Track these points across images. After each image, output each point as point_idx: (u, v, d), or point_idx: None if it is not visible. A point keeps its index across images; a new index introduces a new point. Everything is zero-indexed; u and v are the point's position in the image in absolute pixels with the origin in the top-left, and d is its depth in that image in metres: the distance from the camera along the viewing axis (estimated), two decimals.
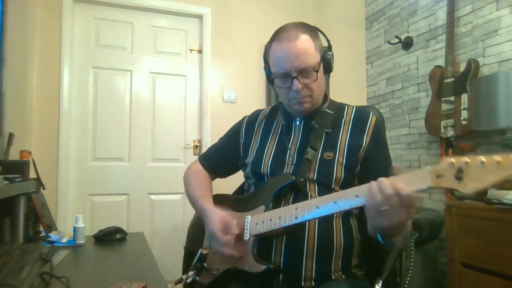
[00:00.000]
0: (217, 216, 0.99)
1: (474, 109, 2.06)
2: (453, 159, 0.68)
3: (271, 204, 0.96)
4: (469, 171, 0.66)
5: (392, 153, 2.86)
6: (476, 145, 2.22)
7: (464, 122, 2.16)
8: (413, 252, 1.82)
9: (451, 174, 0.68)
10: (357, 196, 0.79)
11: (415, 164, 2.69)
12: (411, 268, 1.76)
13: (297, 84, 0.96)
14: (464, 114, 2.16)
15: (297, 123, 1.08)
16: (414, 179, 0.73)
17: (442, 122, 2.29)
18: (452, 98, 2.25)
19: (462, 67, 2.23)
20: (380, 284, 0.98)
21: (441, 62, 2.41)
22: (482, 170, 0.65)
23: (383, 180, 0.74)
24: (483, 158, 0.65)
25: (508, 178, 0.63)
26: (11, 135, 1.73)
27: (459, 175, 0.67)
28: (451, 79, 2.26)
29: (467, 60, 2.20)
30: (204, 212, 1.04)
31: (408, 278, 1.68)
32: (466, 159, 0.67)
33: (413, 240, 1.89)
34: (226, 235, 0.95)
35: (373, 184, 0.75)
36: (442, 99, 2.30)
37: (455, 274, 1.83)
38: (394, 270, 1.05)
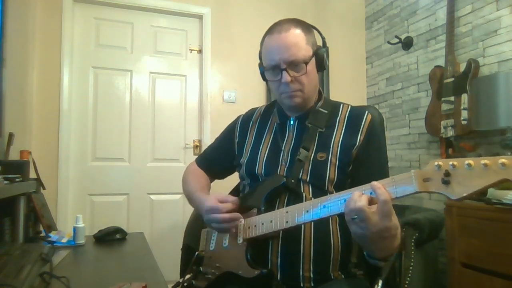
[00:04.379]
0: (211, 196, 0.99)
1: (474, 109, 2.06)
2: (440, 162, 0.65)
3: (263, 207, 0.95)
4: (456, 174, 0.63)
5: (392, 153, 2.89)
6: (476, 145, 2.22)
7: (464, 122, 2.15)
8: (413, 252, 1.81)
9: (438, 177, 0.65)
10: (345, 200, 0.77)
11: (415, 164, 2.69)
12: (411, 268, 1.75)
13: (286, 76, 0.95)
14: (464, 114, 2.16)
15: (291, 122, 1.07)
16: (400, 183, 0.71)
17: (442, 122, 2.29)
18: (452, 98, 2.25)
19: (462, 67, 2.23)
20: (380, 284, 0.97)
21: (441, 62, 2.41)
22: (470, 174, 0.62)
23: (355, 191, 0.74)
24: (470, 161, 0.61)
25: (496, 183, 0.59)
26: (11, 135, 1.73)
27: (446, 178, 0.64)
28: (451, 79, 2.26)
29: (467, 60, 2.19)
30: (199, 200, 1.04)
31: (408, 278, 1.68)
32: (454, 161, 0.64)
33: (413, 240, 1.89)
34: (223, 204, 0.95)
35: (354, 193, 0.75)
36: (442, 99, 2.30)
37: (455, 274, 1.83)
38: (394, 270, 1.05)
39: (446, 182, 0.64)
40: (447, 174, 0.64)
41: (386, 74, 3.03)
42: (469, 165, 0.62)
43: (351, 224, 0.74)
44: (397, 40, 2.80)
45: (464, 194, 0.62)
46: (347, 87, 3.15)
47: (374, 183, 0.73)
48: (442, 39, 2.44)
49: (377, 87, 3.14)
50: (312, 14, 3.12)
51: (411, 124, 2.75)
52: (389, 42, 2.90)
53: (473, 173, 0.61)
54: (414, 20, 2.75)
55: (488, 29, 2.18)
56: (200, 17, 2.87)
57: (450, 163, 0.64)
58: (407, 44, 2.77)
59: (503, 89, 1.87)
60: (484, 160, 0.60)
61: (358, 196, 0.73)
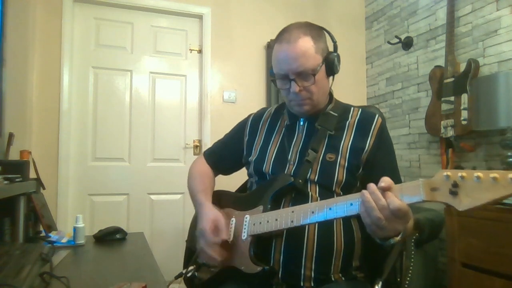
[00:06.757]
0: (211, 215, 0.99)
1: (474, 109, 2.06)
2: (449, 172, 0.65)
3: (269, 206, 0.96)
4: (464, 186, 0.63)
5: None
6: (476, 145, 2.22)
7: (464, 122, 2.16)
8: (413, 252, 1.82)
9: (446, 188, 0.65)
10: (351, 204, 0.78)
11: (415, 164, 2.69)
12: (411, 268, 1.75)
13: (294, 87, 0.96)
14: (464, 114, 2.16)
15: (301, 123, 1.08)
16: (408, 191, 0.71)
17: (442, 122, 2.29)
18: (452, 98, 2.25)
19: (462, 67, 2.23)
20: (379, 285, 0.97)
21: (441, 62, 2.41)
22: (478, 186, 0.61)
23: (373, 191, 0.73)
24: (479, 174, 0.61)
25: (504, 197, 0.59)
26: (11, 135, 1.73)
27: (454, 189, 0.64)
28: (451, 79, 2.27)
29: (467, 60, 2.20)
30: (200, 208, 1.05)
31: (408, 278, 1.68)
32: (462, 173, 0.63)
33: (413, 240, 1.89)
34: (216, 236, 0.95)
35: (366, 196, 0.73)
36: (442, 99, 2.31)
37: (455, 274, 1.83)
38: (395, 270, 1.05)
39: (453, 193, 0.64)
40: (455, 185, 0.64)
41: (386, 74, 3.03)
42: (478, 177, 0.61)
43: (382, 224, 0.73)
44: (397, 40, 2.81)
45: (471, 206, 0.62)
46: (347, 87, 3.15)
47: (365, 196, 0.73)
48: (442, 39, 2.44)
49: (377, 87, 3.14)
50: (312, 14, 3.12)
51: (411, 124, 2.75)
52: (389, 42, 2.90)
53: (482, 186, 0.61)
54: (414, 20, 2.75)
55: (488, 29, 2.18)
56: (200, 17, 2.87)
57: (459, 174, 0.64)
58: (407, 44, 2.77)
59: (503, 89, 1.87)
60: (494, 174, 0.60)
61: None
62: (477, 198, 0.61)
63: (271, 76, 1.05)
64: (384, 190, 0.72)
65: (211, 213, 1.00)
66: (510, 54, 2.06)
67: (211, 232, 0.95)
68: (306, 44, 0.95)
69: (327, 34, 1.04)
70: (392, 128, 2.90)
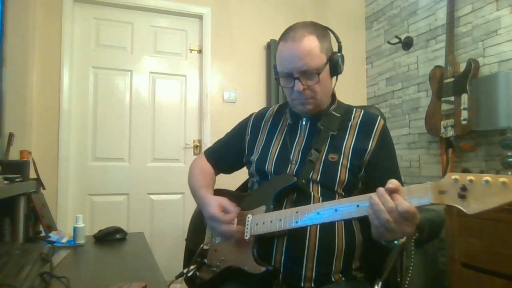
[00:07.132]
0: (214, 201, 0.99)
1: (474, 109, 2.06)
2: (457, 176, 0.66)
3: (272, 206, 0.95)
4: (473, 189, 0.63)
5: None
6: (476, 145, 2.22)
7: (464, 122, 2.16)
8: (413, 252, 1.82)
9: (454, 191, 0.65)
10: (358, 206, 0.78)
11: (415, 164, 2.69)
12: (411, 268, 1.75)
13: (298, 85, 0.96)
14: (464, 114, 2.16)
15: (303, 123, 1.08)
16: (416, 194, 0.71)
17: (442, 122, 2.29)
18: (452, 98, 2.25)
19: (462, 67, 2.23)
20: (379, 285, 0.97)
21: (441, 62, 2.41)
22: (487, 190, 0.62)
23: (382, 194, 0.72)
24: (488, 178, 0.62)
25: None
26: (11, 135, 1.73)
27: (462, 193, 0.64)
28: (451, 79, 2.27)
29: (467, 60, 2.20)
30: (203, 201, 1.05)
31: (408, 278, 1.68)
32: (471, 176, 0.64)
33: (413, 240, 1.89)
34: (226, 215, 0.96)
35: (374, 199, 0.73)
36: (442, 99, 2.31)
37: (455, 274, 1.83)
38: (395, 270, 1.05)
39: (462, 197, 0.64)
40: (463, 188, 0.64)
41: (386, 74, 3.03)
42: (487, 181, 0.62)
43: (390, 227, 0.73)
44: (397, 40, 2.81)
45: (480, 210, 0.63)
46: (347, 87, 3.14)
47: (374, 199, 0.73)
48: (442, 39, 2.44)
49: (377, 87, 3.14)
50: (312, 14, 3.12)
51: (411, 124, 2.75)
52: (389, 42, 2.90)
53: (491, 190, 0.62)
54: (414, 20, 2.75)
55: (488, 29, 2.18)
56: (200, 17, 2.87)
57: (468, 178, 0.64)
58: (407, 44, 2.77)
59: (503, 89, 1.87)
60: (503, 178, 0.61)
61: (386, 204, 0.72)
62: (486, 202, 0.62)
63: (275, 75, 1.05)
64: (391, 192, 0.72)
65: (214, 199, 1.00)
66: (510, 54, 2.06)
67: (221, 214, 0.96)
68: (311, 43, 0.96)
69: (331, 34, 1.05)
70: (392, 128, 2.90)
